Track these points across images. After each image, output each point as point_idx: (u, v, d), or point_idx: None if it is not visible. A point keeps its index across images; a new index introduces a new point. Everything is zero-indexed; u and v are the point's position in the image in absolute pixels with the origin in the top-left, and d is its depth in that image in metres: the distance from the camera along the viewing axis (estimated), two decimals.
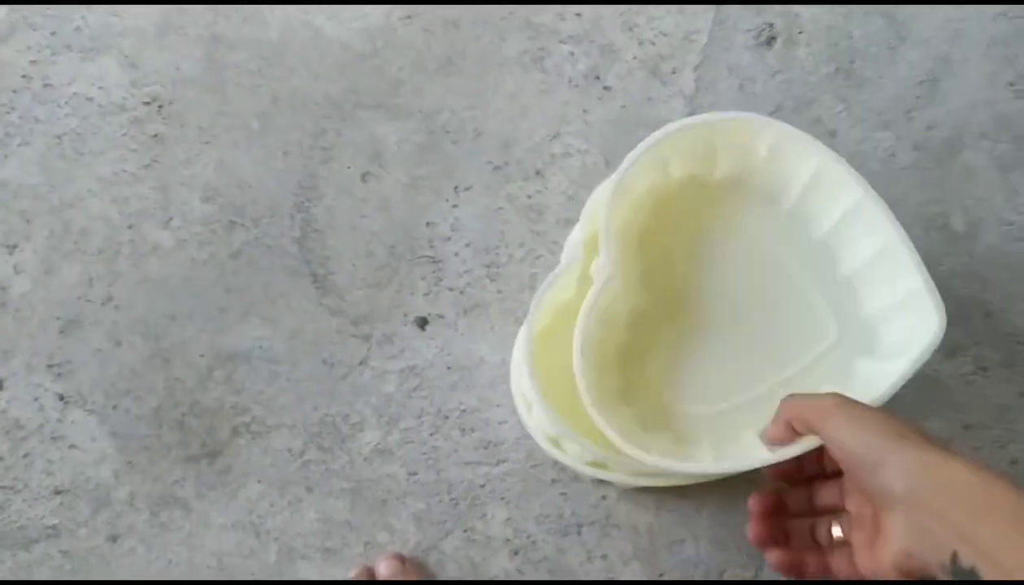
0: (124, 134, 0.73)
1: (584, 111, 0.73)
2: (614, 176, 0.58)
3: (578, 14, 0.75)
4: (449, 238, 0.70)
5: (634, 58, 0.74)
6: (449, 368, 0.67)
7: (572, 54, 0.75)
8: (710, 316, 0.64)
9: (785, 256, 0.64)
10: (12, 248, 0.70)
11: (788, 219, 0.64)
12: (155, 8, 0.76)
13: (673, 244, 0.65)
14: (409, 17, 0.76)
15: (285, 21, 0.76)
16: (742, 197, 0.64)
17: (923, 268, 0.57)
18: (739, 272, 0.64)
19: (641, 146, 0.58)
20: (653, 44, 0.75)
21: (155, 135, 0.73)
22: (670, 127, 0.59)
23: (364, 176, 0.72)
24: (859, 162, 0.71)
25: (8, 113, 0.74)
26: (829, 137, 0.72)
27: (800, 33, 0.76)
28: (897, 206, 0.70)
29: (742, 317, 0.63)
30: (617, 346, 0.63)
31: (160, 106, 0.74)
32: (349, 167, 0.72)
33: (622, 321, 0.63)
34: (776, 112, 0.73)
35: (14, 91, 0.74)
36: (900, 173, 0.72)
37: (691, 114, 0.73)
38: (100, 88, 0.74)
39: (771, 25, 0.76)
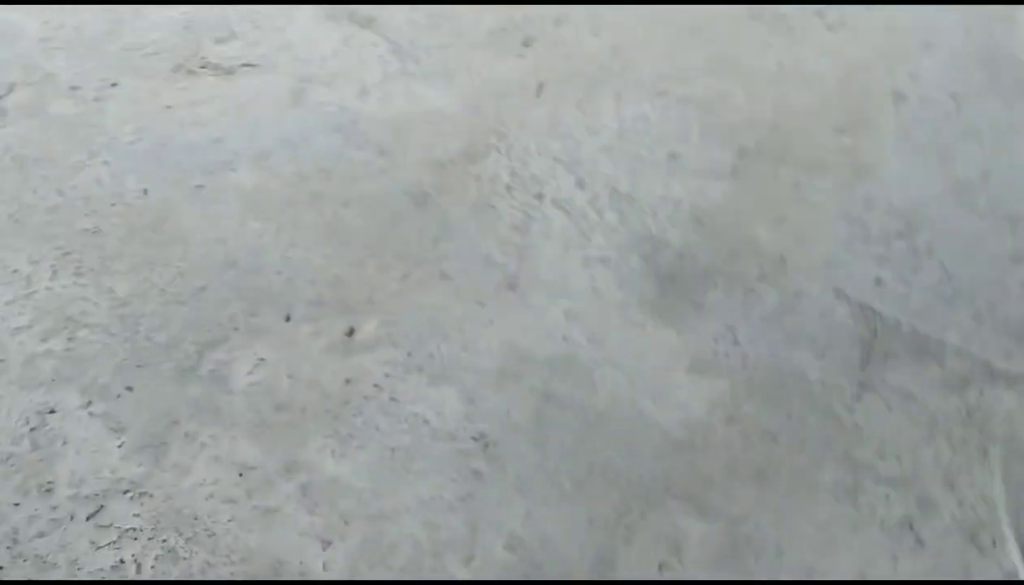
0: (449, 463, 0.79)
1: (893, 559, 0.72)
2: None
3: (899, 458, 0.77)
4: None
5: (952, 518, 0.74)
6: None
7: (888, 497, 0.75)
8: None
9: None
10: (327, 544, 0.76)
11: None
12: (498, 352, 0.85)
13: None
14: (730, 419, 0.80)
15: (613, 394, 0.82)
16: None
17: None
18: None
19: None
20: (974, 508, 0.74)
21: (476, 471, 0.79)
22: None
23: (660, 566, 0.73)
24: None
25: (355, 416, 0.83)
26: None
27: None
28: None
29: None
30: None
31: (486, 445, 0.80)
32: (648, 552, 0.74)
33: None
34: None
35: (364, 397, 0.84)
36: None
37: None
38: (437, 414, 0.82)
39: None
